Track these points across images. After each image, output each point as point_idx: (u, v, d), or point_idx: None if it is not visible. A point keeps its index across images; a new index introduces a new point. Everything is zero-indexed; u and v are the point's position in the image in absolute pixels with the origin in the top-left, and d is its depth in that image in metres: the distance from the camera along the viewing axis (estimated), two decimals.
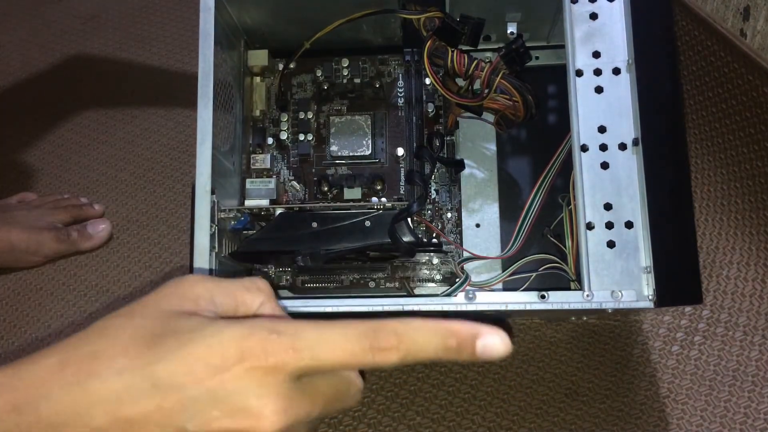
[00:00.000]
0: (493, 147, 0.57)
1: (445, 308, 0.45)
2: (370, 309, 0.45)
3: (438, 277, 0.56)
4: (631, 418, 0.55)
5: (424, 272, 0.56)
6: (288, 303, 0.46)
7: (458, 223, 0.56)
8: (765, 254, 0.60)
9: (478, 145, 0.58)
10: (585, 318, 0.59)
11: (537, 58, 0.57)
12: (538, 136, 0.57)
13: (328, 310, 0.46)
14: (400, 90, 0.58)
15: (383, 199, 0.56)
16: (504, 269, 0.55)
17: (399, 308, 0.45)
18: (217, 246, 0.47)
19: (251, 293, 0.31)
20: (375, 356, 0.27)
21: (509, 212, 0.56)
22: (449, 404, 0.56)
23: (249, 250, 0.52)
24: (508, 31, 0.55)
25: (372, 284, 0.56)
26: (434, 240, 0.55)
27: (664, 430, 0.54)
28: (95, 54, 0.83)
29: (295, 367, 0.27)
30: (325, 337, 0.27)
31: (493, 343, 0.27)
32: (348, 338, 0.27)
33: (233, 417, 0.26)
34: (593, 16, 0.48)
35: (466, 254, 0.54)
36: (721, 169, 0.63)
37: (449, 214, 0.56)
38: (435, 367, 0.58)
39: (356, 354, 0.27)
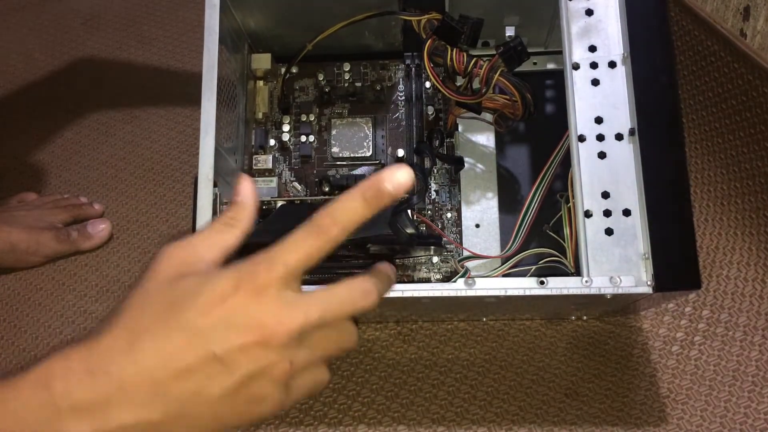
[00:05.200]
0: (493, 148, 0.58)
1: (445, 294, 0.45)
2: None
3: (438, 276, 0.56)
4: (631, 418, 0.55)
5: (424, 272, 0.56)
6: None
7: (458, 222, 0.56)
8: (765, 254, 0.60)
9: (477, 147, 0.58)
10: (585, 318, 0.59)
11: (535, 63, 0.58)
12: (537, 138, 0.57)
13: None
14: (401, 94, 0.59)
15: None
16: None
17: (399, 294, 0.45)
18: None
19: (226, 234, 0.37)
20: (321, 236, 0.33)
21: (509, 213, 0.56)
22: (449, 404, 0.56)
23: (247, 241, 0.52)
24: (506, 36, 0.56)
25: None
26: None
27: (664, 430, 0.54)
28: (95, 54, 0.83)
29: (277, 278, 0.32)
30: (289, 248, 0.33)
31: (398, 177, 0.32)
32: (299, 240, 0.33)
33: (245, 332, 0.31)
34: (589, 12, 0.48)
35: (466, 253, 0.54)
36: (721, 169, 0.63)
37: (449, 214, 0.56)
38: (435, 367, 0.58)
39: (312, 244, 0.33)
